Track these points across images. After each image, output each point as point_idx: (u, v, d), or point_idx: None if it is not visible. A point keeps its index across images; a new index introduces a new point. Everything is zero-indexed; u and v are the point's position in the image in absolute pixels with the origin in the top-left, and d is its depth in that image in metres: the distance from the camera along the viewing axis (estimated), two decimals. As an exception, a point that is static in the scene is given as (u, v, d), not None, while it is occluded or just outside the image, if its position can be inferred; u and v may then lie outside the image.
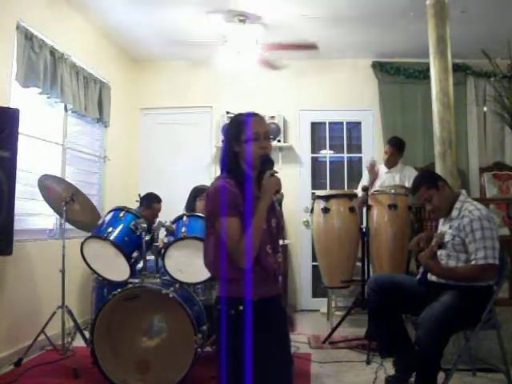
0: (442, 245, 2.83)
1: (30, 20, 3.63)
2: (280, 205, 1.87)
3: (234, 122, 1.95)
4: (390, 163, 4.51)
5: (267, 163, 1.85)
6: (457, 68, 4.90)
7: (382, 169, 4.56)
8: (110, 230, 3.05)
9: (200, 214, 3.27)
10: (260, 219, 1.80)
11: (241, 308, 1.79)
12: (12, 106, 3.36)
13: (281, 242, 1.99)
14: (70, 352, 3.39)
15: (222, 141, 2.04)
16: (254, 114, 1.93)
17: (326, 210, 4.05)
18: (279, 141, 5.37)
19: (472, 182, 5.27)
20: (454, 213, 2.81)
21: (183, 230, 3.05)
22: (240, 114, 1.94)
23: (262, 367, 1.78)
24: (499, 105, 4.26)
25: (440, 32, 3.82)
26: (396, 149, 4.49)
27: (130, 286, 2.92)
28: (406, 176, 4.41)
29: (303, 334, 4.23)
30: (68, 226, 3.55)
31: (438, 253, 2.84)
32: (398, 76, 5.48)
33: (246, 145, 1.85)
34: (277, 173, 1.84)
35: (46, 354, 3.55)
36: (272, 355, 1.85)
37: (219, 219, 1.80)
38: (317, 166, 5.85)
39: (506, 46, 3.92)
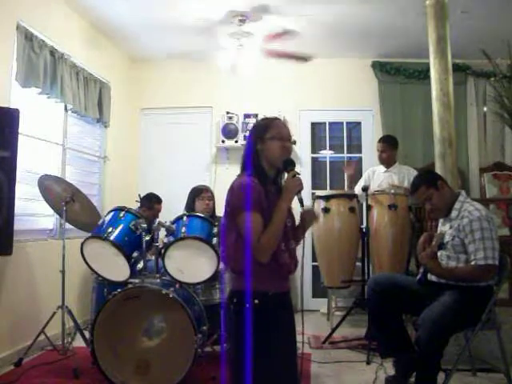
0: (441, 245, 2.83)
1: (30, 20, 3.63)
2: (302, 204, 1.93)
3: (260, 122, 2.06)
4: (386, 161, 4.46)
5: (289, 164, 1.92)
6: (457, 68, 4.90)
7: (380, 169, 4.55)
8: (110, 230, 3.04)
9: (200, 214, 3.27)
10: (281, 217, 1.86)
11: (256, 301, 1.84)
12: (12, 106, 3.36)
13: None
14: (69, 352, 3.40)
15: (246, 139, 2.13)
16: (279, 119, 2.05)
17: (326, 210, 4.05)
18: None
19: (472, 182, 5.27)
20: (454, 213, 2.81)
21: (183, 230, 3.05)
22: (267, 117, 2.07)
23: (274, 360, 1.84)
24: (499, 105, 4.26)
25: (440, 32, 3.82)
26: (388, 145, 4.45)
27: (130, 285, 2.92)
28: (404, 175, 4.40)
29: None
30: (68, 225, 3.55)
31: (439, 253, 2.84)
32: (398, 76, 5.48)
33: (270, 142, 1.93)
34: (299, 174, 1.91)
35: (46, 354, 3.55)
36: (284, 348, 1.89)
37: (242, 214, 1.85)
38: (317, 166, 5.85)
39: (506, 46, 3.92)
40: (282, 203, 1.87)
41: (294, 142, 2.02)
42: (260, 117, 5.47)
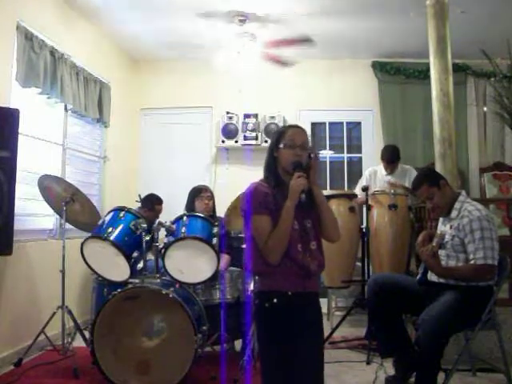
0: (441, 245, 2.83)
1: (30, 20, 3.63)
2: (304, 203, 1.96)
3: (277, 131, 2.18)
4: (391, 172, 4.49)
5: (296, 166, 1.95)
6: (457, 68, 4.90)
7: (382, 170, 4.55)
8: (110, 230, 3.04)
9: (200, 214, 3.26)
10: (286, 217, 1.89)
11: (275, 301, 1.89)
12: (12, 106, 3.36)
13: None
14: (69, 352, 3.39)
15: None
16: (296, 126, 2.10)
17: (325, 210, 4.03)
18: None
19: (472, 181, 5.27)
20: (454, 213, 2.81)
21: (183, 230, 3.05)
22: (284, 126, 2.12)
23: (295, 359, 1.87)
24: (499, 105, 4.26)
25: (440, 32, 3.82)
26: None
27: (130, 285, 2.92)
28: (406, 177, 4.40)
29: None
30: (68, 225, 3.55)
31: (438, 252, 2.84)
32: (398, 76, 5.48)
33: (282, 150, 1.99)
34: (304, 176, 1.93)
35: (46, 354, 3.55)
36: (303, 349, 1.90)
37: (250, 217, 1.93)
38: (317, 165, 5.84)
39: (506, 46, 3.92)
40: (287, 203, 1.90)
41: (311, 149, 2.03)
42: (260, 117, 5.48)
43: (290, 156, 1.97)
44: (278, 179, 2.00)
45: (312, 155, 2.00)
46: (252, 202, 1.93)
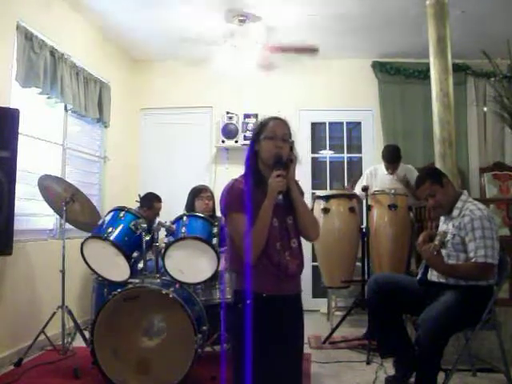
0: (442, 244, 2.82)
1: (29, 20, 3.63)
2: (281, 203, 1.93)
3: (257, 123, 2.07)
4: (392, 171, 4.48)
5: (277, 163, 1.90)
6: (457, 68, 4.90)
7: (383, 169, 4.55)
8: (110, 230, 3.04)
9: (200, 214, 3.26)
10: (263, 216, 1.85)
11: (248, 302, 1.83)
12: (12, 106, 3.36)
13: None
14: (70, 352, 3.40)
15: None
16: (277, 118, 2.02)
17: (325, 210, 4.05)
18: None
19: (472, 181, 5.27)
20: (455, 212, 2.81)
21: (183, 230, 3.04)
22: (265, 117, 2.04)
23: (263, 364, 1.80)
24: (499, 105, 4.26)
25: (440, 32, 3.82)
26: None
27: (130, 285, 2.92)
28: (407, 176, 4.39)
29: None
30: (68, 226, 3.55)
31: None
32: (398, 76, 5.48)
33: (263, 142, 1.94)
34: (283, 174, 1.87)
35: (46, 354, 3.55)
36: (276, 354, 1.85)
37: (227, 216, 1.91)
38: (317, 165, 5.85)
39: (506, 46, 3.92)
40: (265, 202, 1.86)
41: (292, 143, 1.98)
42: (260, 117, 5.47)
43: (270, 147, 1.91)
44: (258, 175, 1.94)
45: (292, 149, 1.94)
46: (229, 200, 1.90)
